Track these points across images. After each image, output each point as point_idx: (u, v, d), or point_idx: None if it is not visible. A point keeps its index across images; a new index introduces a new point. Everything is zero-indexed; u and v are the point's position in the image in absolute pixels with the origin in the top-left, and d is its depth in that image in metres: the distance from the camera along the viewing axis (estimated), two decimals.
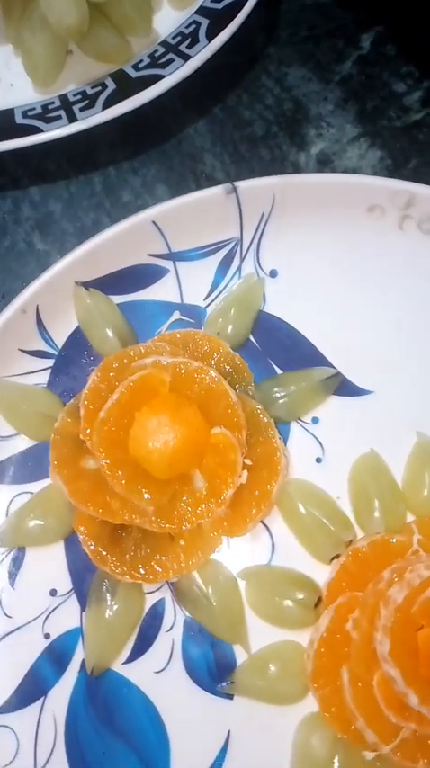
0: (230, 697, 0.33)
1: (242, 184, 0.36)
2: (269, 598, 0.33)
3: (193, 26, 0.42)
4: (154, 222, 0.36)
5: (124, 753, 0.32)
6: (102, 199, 0.42)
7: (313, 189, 0.36)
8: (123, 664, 0.33)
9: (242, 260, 0.38)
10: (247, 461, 0.34)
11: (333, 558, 0.33)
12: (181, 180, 0.42)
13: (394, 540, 0.32)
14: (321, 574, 0.33)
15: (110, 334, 0.37)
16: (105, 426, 0.33)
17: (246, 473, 0.34)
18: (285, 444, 0.36)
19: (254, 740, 0.32)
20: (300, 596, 0.32)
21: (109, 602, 0.33)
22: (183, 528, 0.33)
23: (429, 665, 0.29)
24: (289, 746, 0.32)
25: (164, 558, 0.33)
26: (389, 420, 0.36)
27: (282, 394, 0.36)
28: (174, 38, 0.42)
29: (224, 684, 0.32)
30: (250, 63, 0.44)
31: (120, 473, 0.33)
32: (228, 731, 0.32)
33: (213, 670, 0.33)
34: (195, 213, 0.36)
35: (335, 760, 0.31)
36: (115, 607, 0.33)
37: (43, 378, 0.37)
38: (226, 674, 0.33)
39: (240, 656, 0.33)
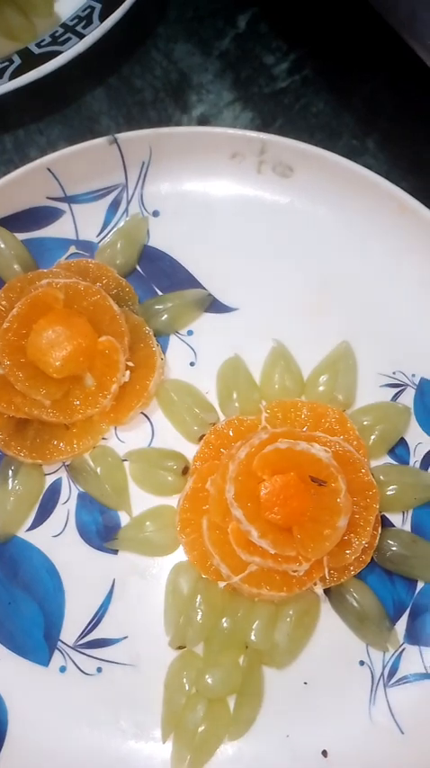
0: (115, 552, 0.39)
1: (121, 136, 0.42)
2: (147, 470, 0.40)
3: (89, 10, 0.49)
4: (49, 169, 0.42)
5: (27, 602, 0.39)
6: (12, 155, 0.48)
7: (183, 139, 0.43)
8: (27, 531, 0.40)
9: (128, 202, 0.45)
10: (130, 363, 0.41)
11: (200, 438, 0.40)
12: (81, 138, 0.47)
13: (247, 419, 0.40)
14: (191, 451, 0.40)
15: (15, 265, 0.43)
16: (7, 335, 0.39)
17: (128, 372, 0.41)
18: (165, 353, 0.43)
19: (134, 585, 0.39)
20: (172, 465, 0.39)
21: (14, 482, 0.40)
22: (76, 418, 0.40)
23: (267, 508, 0.36)
24: (163, 588, 0.38)
25: (59, 443, 0.40)
26: (252, 331, 0.43)
27: (162, 310, 0.43)
28: (71, 20, 0.49)
29: (110, 541, 0.39)
30: (143, 39, 0.51)
31: (20, 374, 0.39)
32: (113, 579, 0.39)
33: (101, 531, 0.40)
34: (84, 161, 0.43)
35: (198, 597, 0.38)
36: (18, 486, 0.40)
37: None
38: (111, 534, 0.39)
39: (125, 520, 0.40)
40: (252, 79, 0.51)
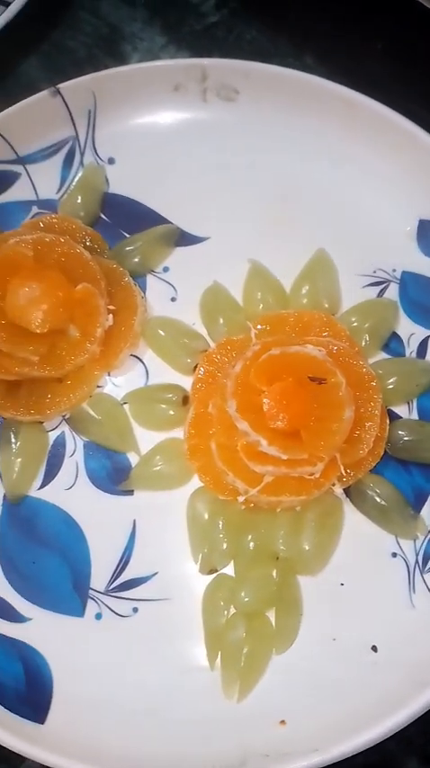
0: (131, 493, 0.39)
1: (63, 85, 0.42)
2: (146, 408, 0.40)
3: None
4: None
5: (50, 557, 0.38)
6: None
7: (123, 79, 0.43)
8: (38, 489, 0.39)
9: (82, 154, 0.45)
10: (111, 307, 0.41)
11: (195, 369, 0.40)
12: None
13: (237, 339, 0.39)
14: (188, 383, 0.40)
15: None
16: None
17: (111, 316, 0.40)
18: (144, 292, 0.42)
19: (155, 521, 0.38)
20: (171, 397, 0.39)
21: (17, 443, 0.39)
22: (66, 369, 0.40)
23: (271, 418, 0.35)
24: (184, 519, 0.38)
25: (55, 396, 0.40)
26: (226, 256, 0.43)
27: (133, 251, 0.42)
28: None
29: (123, 482, 0.39)
30: (68, 3, 0.51)
31: (2, 335, 0.39)
32: (134, 520, 0.38)
33: (113, 475, 0.39)
34: (30, 117, 0.42)
35: (220, 519, 0.37)
36: (22, 446, 0.39)
37: None
38: (123, 476, 0.39)
39: (134, 462, 0.39)
40: (181, 20, 0.50)
